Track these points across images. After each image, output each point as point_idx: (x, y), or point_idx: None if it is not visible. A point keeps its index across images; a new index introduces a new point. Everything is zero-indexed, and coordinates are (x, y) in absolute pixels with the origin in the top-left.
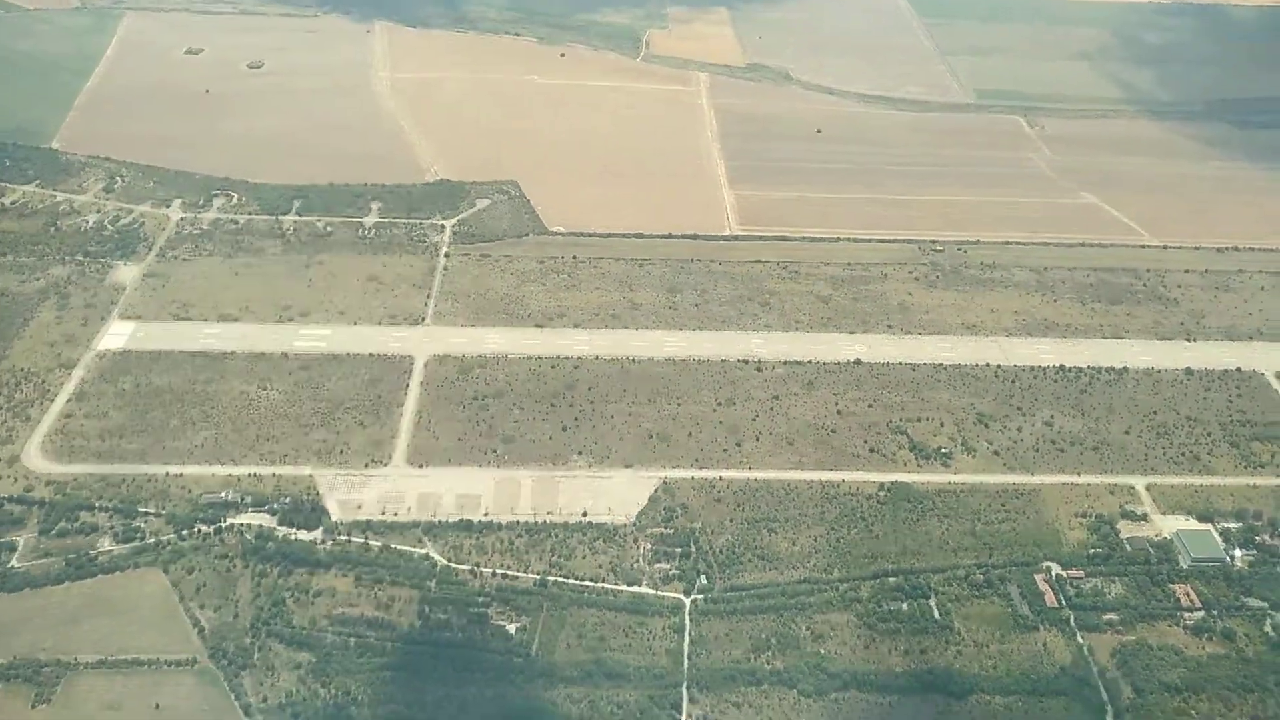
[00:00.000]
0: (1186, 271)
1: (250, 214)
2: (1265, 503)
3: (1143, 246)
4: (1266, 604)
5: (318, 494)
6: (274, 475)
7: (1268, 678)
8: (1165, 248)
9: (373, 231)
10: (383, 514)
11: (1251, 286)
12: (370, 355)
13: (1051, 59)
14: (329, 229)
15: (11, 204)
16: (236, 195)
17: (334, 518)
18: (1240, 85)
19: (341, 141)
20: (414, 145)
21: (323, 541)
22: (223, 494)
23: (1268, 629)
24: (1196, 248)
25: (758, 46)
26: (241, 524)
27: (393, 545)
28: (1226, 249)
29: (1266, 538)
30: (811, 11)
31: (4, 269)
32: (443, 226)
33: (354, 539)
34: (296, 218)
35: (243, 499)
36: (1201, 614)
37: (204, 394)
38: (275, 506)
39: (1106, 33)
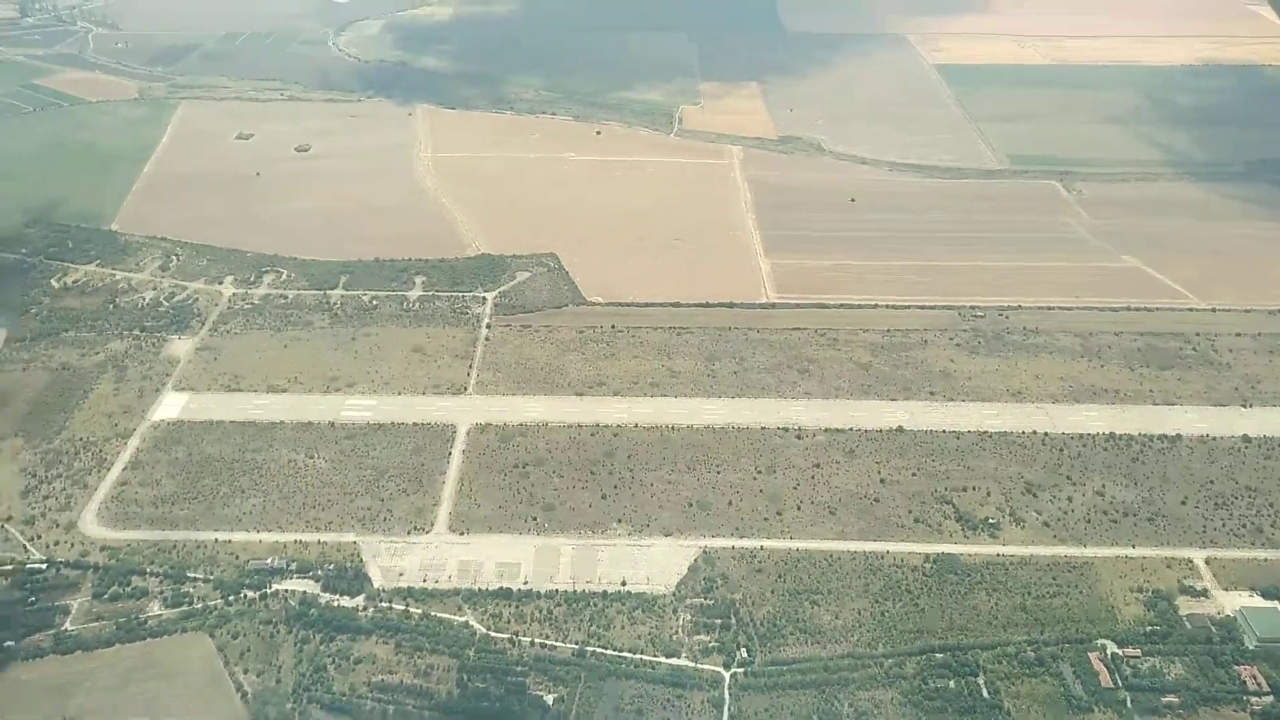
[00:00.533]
0: (1237, 335)
1: (299, 289)
2: None
3: (1190, 309)
4: None
5: (361, 561)
6: (319, 542)
7: None
8: (1214, 310)
9: (417, 304)
10: (424, 581)
11: None
12: (414, 424)
13: (1083, 123)
14: (374, 303)
15: (74, 283)
16: (285, 272)
17: (376, 584)
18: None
19: (386, 220)
20: (455, 222)
21: (364, 608)
22: (269, 560)
23: None
24: (1247, 310)
25: (789, 119)
26: (286, 590)
27: (433, 613)
28: (1278, 311)
29: None
30: (842, 83)
31: (66, 344)
32: (484, 299)
33: (395, 606)
34: (344, 292)
35: (288, 565)
36: (1270, 699)
37: (253, 463)
38: (319, 573)
39: (1137, 96)
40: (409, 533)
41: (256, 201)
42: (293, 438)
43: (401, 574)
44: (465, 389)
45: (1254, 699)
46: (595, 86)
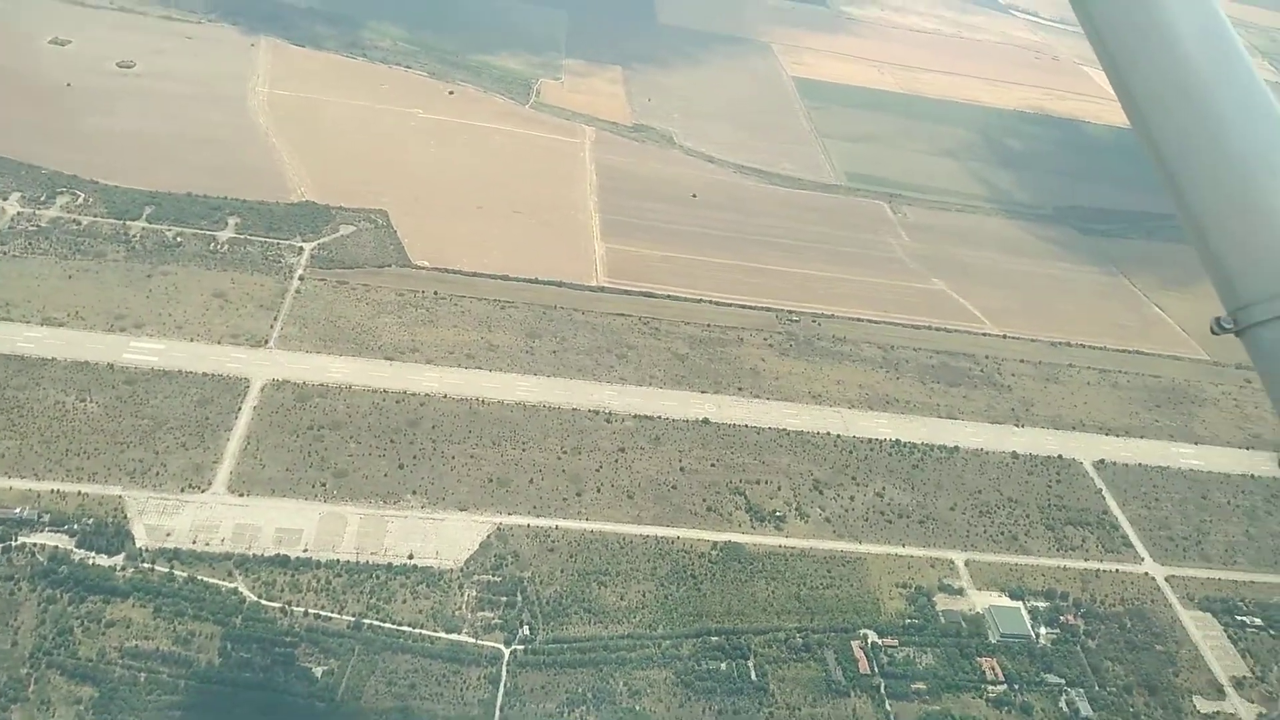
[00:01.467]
0: (1021, 361)
1: (95, 216)
2: (1072, 584)
3: (984, 334)
4: (1064, 680)
5: (125, 517)
6: (79, 493)
7: None
8: (1004, 337)
9: (226, 247)
10: (193, 543)
11: (1079, 380)
12: (204, 374)
13: (920, 151)
14: (179, 240)
15: None
16: (83, 195)
17: (139, 543)
18: (1088, 194)
19: (205, 152)
20: (283, 164)
21: (123, 568)
22: (17, 510)
23: (1062, 704)
24: (1033, 340)
25: (646, 108)
26: (34, 544)
27: (200, 577)
28: (1059, 343)
29: (1070, 618)
30: (703, 81)
31: None
32: (301, 249)
33: (158, 567)
34: (146, 225)
35: (39, 516)
36: (1004, 687)
37: (14, 401)
38: (75, 528)
39: (972, 132)
40: (182, 490)
41: (62, 115)
42: (64, 377)
43: (169, 534)
44: (266, 342)
45: (990, 687)
46: (457, 46)
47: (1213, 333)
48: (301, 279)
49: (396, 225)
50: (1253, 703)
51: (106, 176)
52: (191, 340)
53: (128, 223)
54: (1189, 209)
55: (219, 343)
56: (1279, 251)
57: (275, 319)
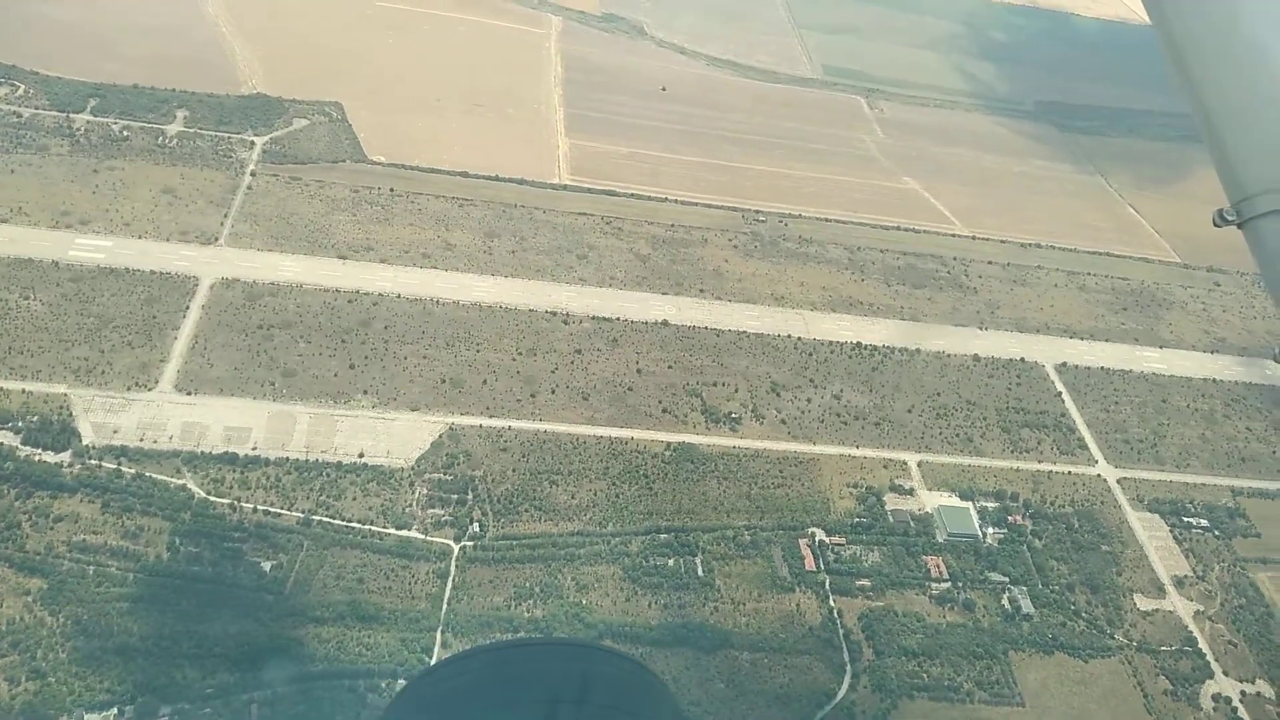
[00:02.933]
0: (989, 263)
1: (37, 108)
2: (1023, 485)
3: (953, 235)
4: (1007, 579)
5: (70, 415)
6: (23, 391)
7: (997, 646)
8: (974, 238)
9: (175, 141)
10: (141, 441)
11: (1046, 283)
12: (151, 273)
13: (901, 44)
14: (125, 133)
15: None
16: (23, 86)
17: (86, 440)
18: (1072, 89)
19: (153, 41)
20: (234, 54)
21: (70, 465)
22: None
23: (1004, 602)
24: (1003, 241)
25: None
26: None
27: (148, 473)
28: (1030, 245)
29: (1018, 518)
30: None
31: None
32: (253, 143)
33: (105, 464)
34: (90, 118)
35: None
36: (948, 585)
37: None
38: (20, 425)
39: (957, 24)
40: (129, 389)
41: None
42: (7, 275)
43: (116, 431)
44: (216, 239)
45: (934, 584)
46: None
47: (1215, 225)
48: (253, 175)
49: (352, 119)
50: (1191, 601)
51: (48, 67)
52: (139, 237)
53: (71, 116)
54: (1198, 96)
55: (167, 240)
56: None
57: (226, 216)
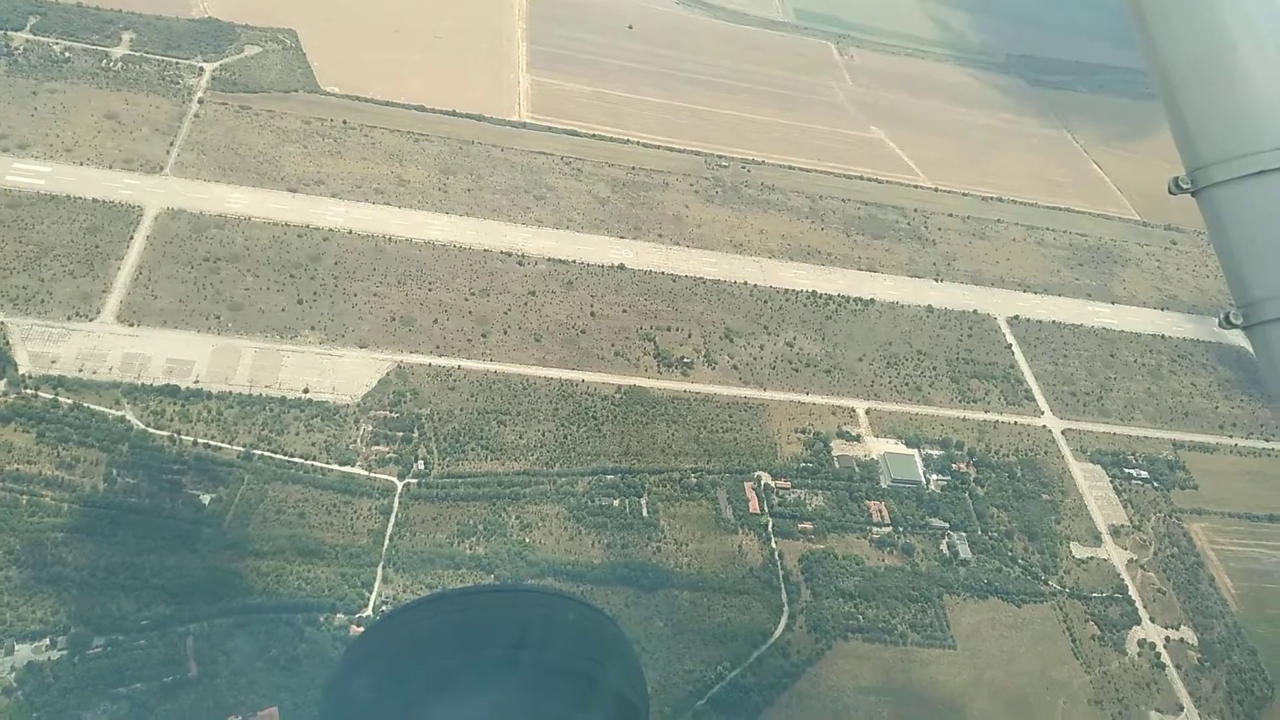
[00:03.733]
0: (950, 215)
1: None
2: (969, 434)
3: (916, 186)
4: (947, 525)
5: (7, 343)
6: None
7: (933, 590)
8: (936, 190)
9: (119, 64)
10: (80, 371)
11: (1005, 236)
12: (94, 200)
13: None
14: (67, 55)
15: None
16: None
17: (22, 370)
18: (1044, 42)
19: None
20: None
21: (4, 394)
22: None
23: (943, 547)
24: (964, 194)
25: None
26: None
27: (85, 404)
28: (991, 198)
29: (962, 466)
30: None
31: None
32: (202, 69)
33: (42, 394)
34: (30, 36)
35: None
36: (889, 529)
37: None
38: None
39: None
40: (69, 319)
41: None
42: None
43: (54, 361)
44: (162, 169)
45: (876, 529)
46: None
47: (1170, 193)
48: (201, 102)
49: (306, 48)
50: (1126, 550)
51: None
52: (81, 164)
53: (9, 33)
54: (1159, 61)
55: (110, 167)
56: (1242, 113)
57: (172, 144)
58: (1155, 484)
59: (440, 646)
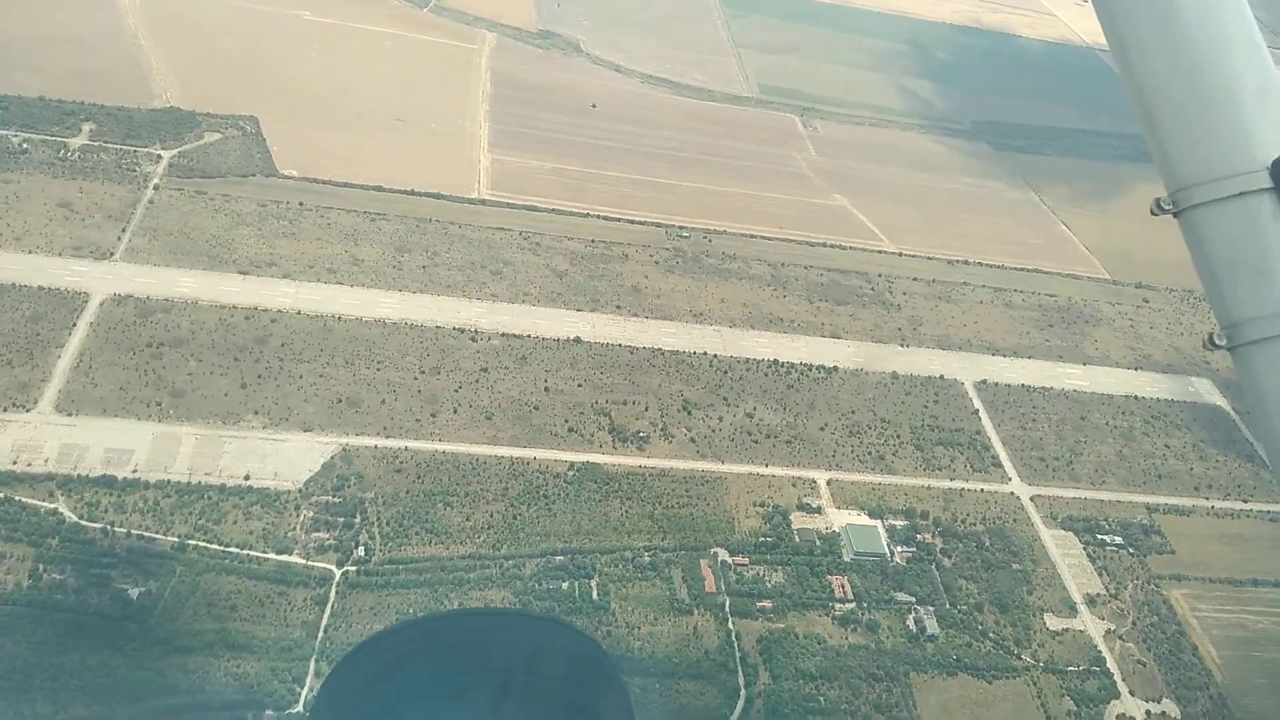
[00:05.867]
0: (915, 279)
1: None
2: (934, 503)
3: (880, 252)
4: (914, 599)
5: None
6: None
7: (899, 668)
8: (900, 255)
9: (77, 154)
10: (14, 464)
11: (971, 299)
12: (39, 288)
13: (841, 64)
14: (25, 146)
15: None
16: None
17: None
18: (1010, 109)
19: (66, 53)
20: (150, 67)
21: None
22: None
23: (909, 623)
24: (929, 258)
25: (555, 14)
26: None
27: (17, 498)
28: (957, 261)
29: (927, 536)
30: None
31: None
32: (159, 156)
33: None
34: None
35: None
36: (852, 605)
37: None
38: None
39: (899, 45)
40: (5, 410)
41: None
42: None
43: None
44: (112, 254)
45: (839, 605)
46: None
47: (1152, 213)
48: (156, 188)
49: (267, 134)
50: (1103, 620)
51: None
52: (29, 252)
53: None
54: (1138, 85)
55: (59, 255)
56: (1222, 135)
57: (124, 230)
58: (1130, 550)
59: (431, 666)
